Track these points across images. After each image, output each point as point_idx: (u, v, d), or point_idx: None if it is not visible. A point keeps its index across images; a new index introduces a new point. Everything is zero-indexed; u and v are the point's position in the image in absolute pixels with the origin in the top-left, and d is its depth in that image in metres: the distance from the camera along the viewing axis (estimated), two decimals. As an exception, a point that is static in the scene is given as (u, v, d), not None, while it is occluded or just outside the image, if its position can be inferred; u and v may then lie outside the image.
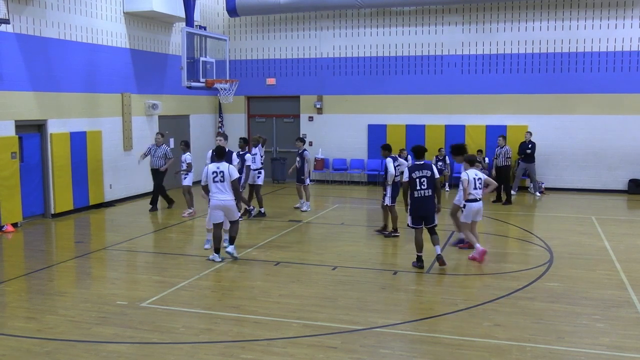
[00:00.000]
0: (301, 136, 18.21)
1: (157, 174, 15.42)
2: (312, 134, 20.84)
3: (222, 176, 9.93)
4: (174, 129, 19.23)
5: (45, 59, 14.08)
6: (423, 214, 9.78)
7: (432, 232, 9.90)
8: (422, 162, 9.94)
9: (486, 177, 10.55)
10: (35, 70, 13.81)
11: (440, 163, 18.91)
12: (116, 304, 8.15)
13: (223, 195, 10.00)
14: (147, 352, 6.61)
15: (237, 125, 21.59)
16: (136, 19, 17.06)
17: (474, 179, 10.20)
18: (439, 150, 18.85)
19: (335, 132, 20.49)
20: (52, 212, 14.35)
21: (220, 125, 21.36)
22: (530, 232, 12.82)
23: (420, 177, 9.70)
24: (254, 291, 8.82)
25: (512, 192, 17.71)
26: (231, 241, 10.35)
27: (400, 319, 7.63)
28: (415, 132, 19.60)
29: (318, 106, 20.69)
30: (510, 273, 9.64)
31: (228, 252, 10.28)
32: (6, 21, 12.50)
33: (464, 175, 10.21)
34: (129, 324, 7.43)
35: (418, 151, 10.13)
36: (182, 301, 8.35)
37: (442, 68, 19.39)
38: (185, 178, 14.59)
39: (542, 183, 18.38)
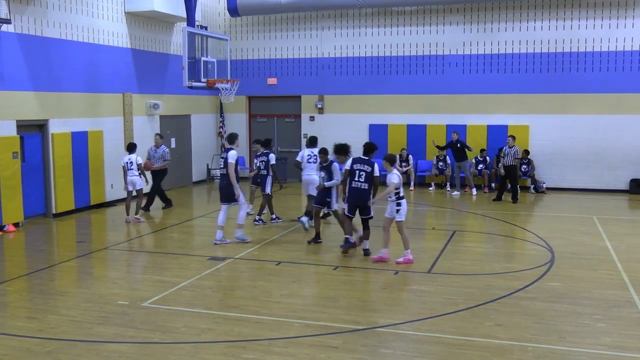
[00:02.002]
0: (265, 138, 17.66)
1: (156, 175, 15.33)
2: (313, 133, 20.61)
3: (316, 158, 12.52)
4: (175, 129, 19.24)
5: (46, 59, 14.09)
6: (356, 203, 10.50)
7: (366, 226, 10.63)
8: (366, 158, 10.47)
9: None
10: (37, 70, 13.82)
11: (440, 163, 18.94)
12: (117, 304, 8.16)
13: (309, 172, 12.84)
14: (149, 352, 6.61)
15: (238, 125, 21.57)
16: (137, 19, 17.06)
17: (400, 177, 10.18)
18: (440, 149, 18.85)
19: (337, 132, 20.38)
20: (54, 212, 14.35)
21: (221, 125, 21.38)
22: (532, 231, 12.82)
23: (359, 170, 10.38)
24: (255, 291, 8.83)
25: (455, 192, 18.02)
26: (308, 214, 12.04)
27: (401, 319, 7.63)
28: (416, 132, 19.60)
29: (319, 106, 20.69)
30: (512, 273, 9.64)
31: (301, 221, 11.89)
32: (7, 21, 12.51)
33: (395, 178, 10.00)
34: (130, 324, 7.44)
35: (367, 148, 10.63)
36: (183, 301, 8.35)
37: (443, 68, 19.37)
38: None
39: (544, 183, 18.37)
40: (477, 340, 6.90)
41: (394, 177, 10.01)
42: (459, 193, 17.99)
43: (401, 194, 10.12)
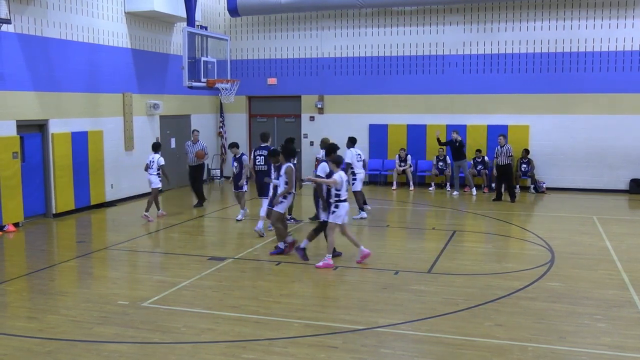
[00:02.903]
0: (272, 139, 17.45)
1: (196, 170, 16.04)
2: (313, 133, 20.83)
3: (360, 157, 14.41)
4: (175, 129, 19.24)
5: (46, 59, 14.09)
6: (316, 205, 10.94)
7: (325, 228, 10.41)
8: (323, 160, 10.74)
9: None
10: (37, 70, 13.82)
11: (440, 163, 18.94)
12: (117, 304, 8.16)
13: (359, 171, 14.32)
14: (149, 352, 6.61)
15: (238, 125, 21.60)
16: (137, 19, 17.06)
17: (343, 180, 10.01)
18: (439, 150, 18.85)
19: (337, 132, 20.33)
20: (54, 212, 14.36)
21: (221, 125, 21.38)
22: (532, 231, 12.82)
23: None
24: (255, 291, 8.83)
25: (455, 192, 18.03)
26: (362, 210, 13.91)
27: (401, 319, 7.63)
28: (416, 132, 19.61)
29: (319, 106, 20.69)
30: (512, 273, 9.64)
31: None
32: (7, 21, 12.52)
33: (336, 177, 9.92)
34: (130, 324, 7.44)
35: (326, 150, 10.69)
36: (183, 301, 8.35)
37: (443, 68, 19.38)
38: (160, 180, 14.39)
39: (544, 183, 18.37)
40: (477, 340, 6.90)
41: (337, 175, 9.97)
42: (458, 193, 18.00)
43: (342, 197, 9.94)
